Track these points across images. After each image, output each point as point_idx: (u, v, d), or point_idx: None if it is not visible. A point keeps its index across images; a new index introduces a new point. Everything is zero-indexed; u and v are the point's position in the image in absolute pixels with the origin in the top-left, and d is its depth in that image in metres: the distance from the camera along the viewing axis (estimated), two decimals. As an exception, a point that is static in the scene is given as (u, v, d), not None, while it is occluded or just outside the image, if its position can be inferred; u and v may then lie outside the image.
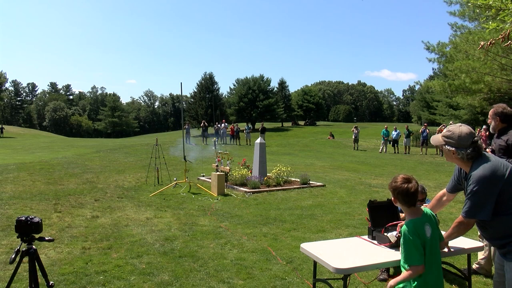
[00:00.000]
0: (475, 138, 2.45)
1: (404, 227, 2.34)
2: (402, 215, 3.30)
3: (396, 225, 2.93)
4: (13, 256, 2.57)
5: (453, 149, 2.49)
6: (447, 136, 2.52)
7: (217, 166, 9.55)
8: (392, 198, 2.43)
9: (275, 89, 59.41)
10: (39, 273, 2.76)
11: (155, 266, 4.43)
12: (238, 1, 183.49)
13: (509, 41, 4.44)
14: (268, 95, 52.69)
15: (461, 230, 2.55)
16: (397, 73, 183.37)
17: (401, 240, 2.35)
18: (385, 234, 2.97)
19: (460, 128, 2.49)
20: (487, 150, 3.79)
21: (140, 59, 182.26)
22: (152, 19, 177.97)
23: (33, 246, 2.70)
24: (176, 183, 9.72)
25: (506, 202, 2.36)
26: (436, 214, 3.96)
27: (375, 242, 3.09)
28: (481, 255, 4.27)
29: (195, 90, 53.17)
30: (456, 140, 2.47)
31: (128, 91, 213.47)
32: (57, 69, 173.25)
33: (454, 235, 2.63)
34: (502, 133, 3.77)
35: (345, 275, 2.65)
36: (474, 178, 2.40)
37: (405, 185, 2.31)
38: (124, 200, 8.10)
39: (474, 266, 4.24)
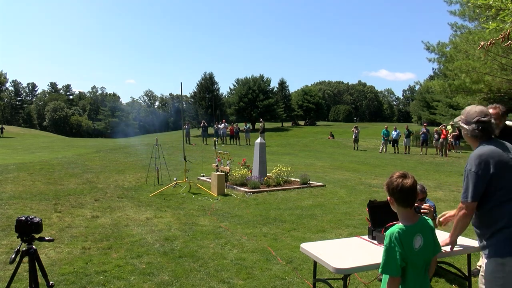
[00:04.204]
0: (484, 118, 2.41)
1: (390, 230, 2.17)
2: None
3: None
4: (13, 256, 2.57)
5: (463, 125, 2.52)
6: (462, 113, 2.57)
7: (217, 166, 9.55)
8: (388, 198, 2.26)
9: (275, 89, 59.48)
10: (39, 273, 2.76)
11: (155, 266, 4.43)
12: (238, 1, 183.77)
13: (509, 41, 4.45)
14: (268, 95, 52.74)
15: (461, 216, 2.45)
16: (395, 73, 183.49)
17: (384, 242, 2.19)
18: (385, 234, 2.97)
19: (474, 107, 2.51)
20: None
21: (140, 59, 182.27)
22: (151, 19, 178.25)
23: (33, 246, 2.70)
24: (176, 183, 9.72)
25: (493, 193, 2.33)
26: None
27: (375, 242, 3.09)
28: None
29: (195, 90, 53.25)
30: (465, 115, 2.51)
31: (128, 91, 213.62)
32: (57, 69, 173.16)
33: (458, 225, 2.51)
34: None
35: (345, 275, 2.65)
36: (470, 157, 2.43)
37: (401, 180, 2.15)
38: (124, 200, 8.10)
39: (475, 268, 4.19)
